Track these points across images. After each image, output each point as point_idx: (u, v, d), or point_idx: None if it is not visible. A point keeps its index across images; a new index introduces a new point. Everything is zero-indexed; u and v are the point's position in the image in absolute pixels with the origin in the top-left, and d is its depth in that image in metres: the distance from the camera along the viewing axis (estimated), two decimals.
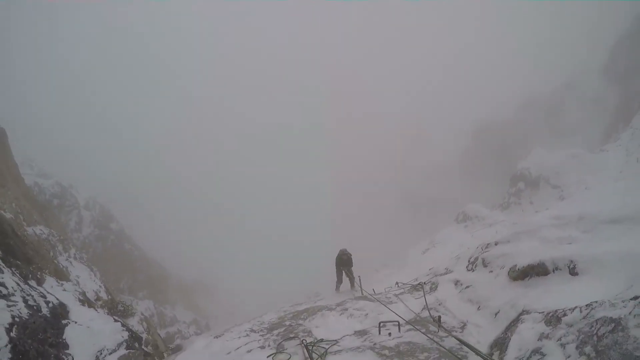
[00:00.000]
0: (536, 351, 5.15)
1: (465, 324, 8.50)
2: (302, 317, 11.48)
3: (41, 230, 25.36)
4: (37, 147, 71.49)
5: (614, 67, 69.48)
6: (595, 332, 4.64)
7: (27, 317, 8.01)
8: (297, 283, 76.51)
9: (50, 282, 12.55)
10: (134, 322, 23.16)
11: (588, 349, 4.47)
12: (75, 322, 9.38)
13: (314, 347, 8.19)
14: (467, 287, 10.50)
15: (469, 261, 12.76)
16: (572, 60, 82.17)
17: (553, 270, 7.70)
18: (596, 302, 5.27)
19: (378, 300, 11.74)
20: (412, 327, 8.79)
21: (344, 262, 15.39)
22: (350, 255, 15.33)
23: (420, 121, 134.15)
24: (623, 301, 4.89)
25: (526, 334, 5.66)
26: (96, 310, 14.17)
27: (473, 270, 11.63)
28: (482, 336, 7.42)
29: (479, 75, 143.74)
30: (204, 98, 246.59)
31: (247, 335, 10.72)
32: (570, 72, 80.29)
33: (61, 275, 16.48)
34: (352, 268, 15.43)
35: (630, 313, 4.51)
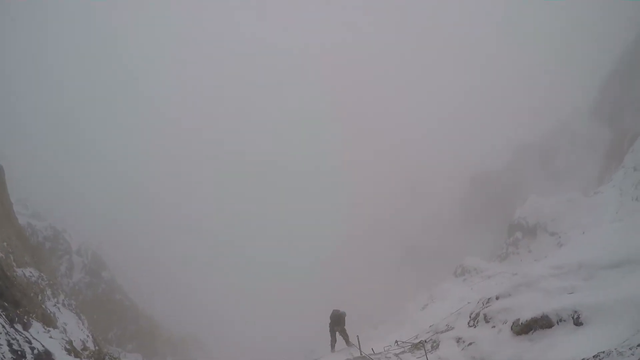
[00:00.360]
0: None
1: None
2: None
3: (31, 272, 24.91)
4: (33, 187, 71.27)
5: (604, 107, 71.41)
6: None
7: None
8: (295, 336, 74.96)
9: (36, 328, 12.26)
10: None
11: None
12: None
13: None
14: (470, 344, 10.37)
15: (470, 317, 12.64)
16: (563, 103, 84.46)
17: (557, 322, 7.67)
18: (603, 352, 5.24)
19: None
20: None
21: (336, 322, 15.42)
22: (344, 314, 15.38)
23: (417, 171, 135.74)
24: (630, 348, 4.88)
25: None
26: None
27: (475, 327, 11.51)
28: None
29: (472, 123, 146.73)
30: (194, 128, 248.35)
31: None
32: (561, 115, 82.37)
33: (48, 321, 16.08)
34: (345, 327, 15.44)
35: None
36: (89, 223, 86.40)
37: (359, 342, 15.37)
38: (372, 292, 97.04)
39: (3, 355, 7.79)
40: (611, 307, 6.54)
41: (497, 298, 11.51)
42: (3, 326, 8.86)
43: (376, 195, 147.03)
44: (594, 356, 5.24)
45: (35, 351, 9.14)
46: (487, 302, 11.89)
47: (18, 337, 9.07)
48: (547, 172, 74.13)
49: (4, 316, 9.64)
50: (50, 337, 12.47)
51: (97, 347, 22.38)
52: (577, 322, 7.12)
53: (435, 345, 11.98)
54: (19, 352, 8.41)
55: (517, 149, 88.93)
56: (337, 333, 15.54)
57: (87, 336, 22.26)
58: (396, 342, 16.30)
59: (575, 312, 7.28)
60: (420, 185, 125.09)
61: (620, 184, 43.94)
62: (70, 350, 13.08)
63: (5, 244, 23.28)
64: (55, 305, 24.23)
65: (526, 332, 8.43)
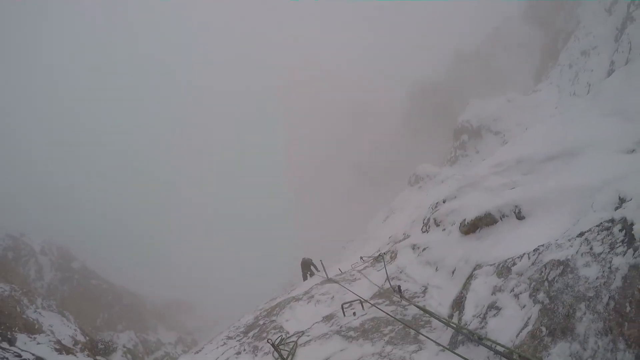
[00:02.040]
0: (491, 306, 5.01)
1: (426, 288, 8.42)
2: (275, 312, 11.35)
3: (1, 287, 24.25)
4: None
5: (536, 10, 71.34)
6: (545, 277, 4.50)
7: None
8: (276, 276, 76.43)
9: (22, 339, 11.96)
10: (117, 357, 22.59)
11: (541, 295, 4.33)
12: None
13: (284, 344, 8.00)
14: (424, 249, 10.45)
15: (423, 222, 12.75)
16: (495, 8, 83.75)
17: (500, 218, 7.65)
18: (542, 245, 5.16)
19: (340, 284, 11.60)
20: (375, 301, 8.67)
21: (305, 266, 17.11)
22: (310, 259, 17.18)
23: (359, 93, 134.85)
24: (569, 240, 4.78)
25: (480, 289, 5.53)
26: (75, 355, 13.65)
27: (427, 232, 11.61)
28: (443, 297, 7.32)
29: (407, 37, 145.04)
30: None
31: (225, 343, 10.61)
32: (494, 21, 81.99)
33: (32, 329, 15.77)
34: (312, 267, 16.91)
35: (577, 252, 4.38)
36: (48, 219, 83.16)
37: (323, 266, 15.52)
38: (336, 218, 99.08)
39: None
40: (551, 198, 6.47)
41: (444, 201, 11.55)
42: None
43: (320, 124, 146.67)
44: (534, 250, 5.15)
45: None
46: (436, 206, 11.94)
47: (7, 354, 8.70)
48: (484, 78, 74.79)
49: None
50: (38, 343, 12.17)
51: (87, 338, 22.23)
52: (519, 217, 7.08)
53: (394, 256, 12.09)
54: None
55: (453, 57, 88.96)
56: (309, 274, 16.86)
57: (75, 330, 22.03)
58: (361, 258, 16.57)
59: (517, 206, 7.23)
60: (362, 106, 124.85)
61: (558, 81, 44.81)
62: (61, 349, 12.82)
63: None
64: (35, 311, 23.65)
65: (473, 231, 8.43)
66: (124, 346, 30.55)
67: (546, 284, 4.39)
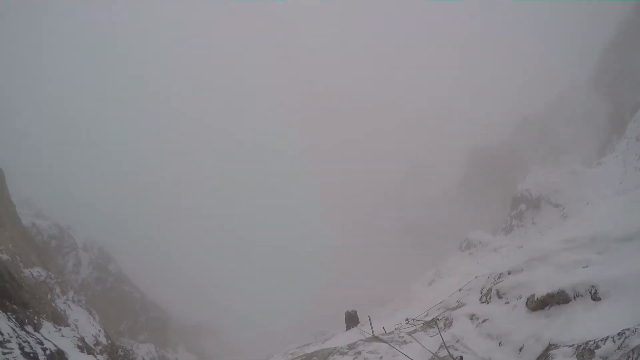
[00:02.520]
0: None
1: None
2: None
3: (39, 272, 24.99)
4: (35, 187, 71.44)
5: (603, 79, 70.61)
6: None
7: None
8: (301, 321, 75.50)
9: (47, 328, 12.23)
10: None
11: None
12: None
13: None
14: (484, 320, 10.21)
15: (481, 292, 12.49)
16: (562, 76, 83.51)
17: (574, 297, 7.47)
18: (628, 329, 5.06)
19: (390, 344, 11.37)
20: None
21: (351, 320, 17.70)
22: (355, 312, 17.90)
23: (417, 150, 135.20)
24: None
25: None
26: (95, 357, 13.79)
27: (487, 303, 11.34)
28: None
29: (471, 100, 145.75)
30: (195, 119, 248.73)
31: None
32: (560, 88, 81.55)
33: (59, 320, 16.05)
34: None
35: None
36: (94, 218, 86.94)
37: (370, 322, 15.29)
38: (377, 271, 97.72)
39: (15, 359, 7.69)
40: (629, 281, 6.35)
41: (509, 273, 11.33)
42: (14, 329, 8.72)
43: (376, 175, 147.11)
44: (618, 334, 5.07)
45: (48, 352, 9.02)
46: (499, 277, 11.72)
47: (30, 339, 8.93)
48: (547, 146, 73.64)
49: (13, 319, 9.51)
50: (62, 335, 12.42)
51: (109, 341, 22.47)
52: (595, 297, 6.92)
53: (448, 323, 11.84)
54: (31, 355, 8.28)
55: (517, 123, 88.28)
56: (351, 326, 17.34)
57: (99, 331, 22.31)
58: (407, 320, 16.17)
59: (593, 286, 7.07)
60: (420, 163, 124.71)
61: (623, 154, 43.56)
62: (83, 347, 13.04)
63: (10, 245, 23.22)
64: (65, 302, 24.27)
65: (542, 308, 8.22)
66: (143, 358, 30.51)
67: None
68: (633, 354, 4.54)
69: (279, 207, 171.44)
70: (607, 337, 5.23)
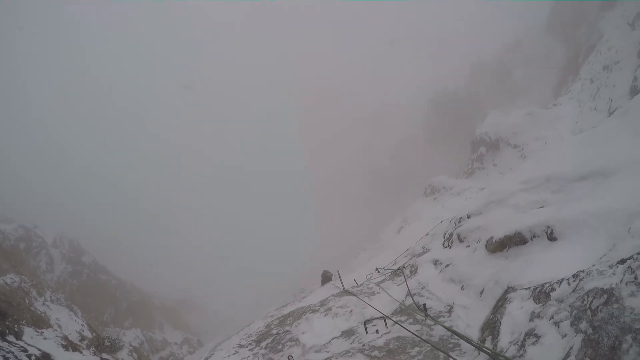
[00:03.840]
0: (530, 333, 4.86)
1: (451, 307, 8.24)
2: (288, 322, 11.17)
3: (12, 278, 24.35)
4: None
5: (557, 22, 70.93)
6: (588, 306, 4.36)
7: None
8: (285, 279, 76.42)
9: (29, 333, 11.90)
10: (123, 355, 22.54)
11: (584, 325, 4.19)
12: None
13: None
14: (447, 265, 10.28)
15: (444, 237, 12.58)
16: (517, 20, 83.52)
17: (531, 238, 7.47)
18: (583, 271, 5.01)
19: (358, 297, 11.43)
20: (398, 319, 8.52)
21: (327, 279, 18.21)
22: (331, 274, 18.29)
23: (383, 99, 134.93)
24: (611, 267, 4.64)
25: (516, 314, 5.38)
26: (81, 352, 13.61)
27: (450, 247, 11.44)
28: (470, 318, 7.15)
29: (426, 46, 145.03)
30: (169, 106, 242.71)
31: (236, 352, 10.41)
32: (515, 32, 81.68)
33: (40, 322, 15.71)
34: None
35: (621, 281, 4.24)
36: (61, 213, 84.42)
37: (339, 276, 15.40)
38: (349, 222, 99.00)
39: None
40: (584, 220, 6.32)
41: (468, 216, 11.38)
42: None
43: (340, 128, 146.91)
44: (573, 275, 5.01)
45: (33, 357, 8.82)
46: (459, 222, 11.77)
47: (13, 348, 8.67)
48: (504, 89, 74.34)
49: None
50: (45, 338, 12.10)
51: (94, 334, 22.16)
52: (551, 238, 6.92)
53: (414, 270, 11.92)
54: None
55: (473, 68, 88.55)
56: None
57: (82, 325, 21.93)
58: (377, 269, 16.38)
59: (549, 227, 7.06)
60: (382, 112, 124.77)
61: (578, 95, 44.30)
62: (67, 345, 12.77)
63: None
64: (44, 304, 23.68)
65: (500, 250, 8.25)
66: (130, 344, 30.53)
67: (589, 312, 4.26)
68: (587, 296, 4.48)
69: (249, 175, 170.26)
70: (562, 280, 5.19)
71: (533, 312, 5.12)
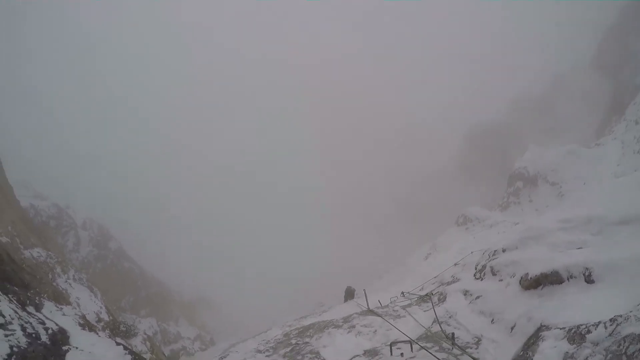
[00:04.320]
0: None
1: (479, 340, 8.17)
2: (309, 334, 11.18)
3: (39, 252, 24.94)
4: (32, 168, 71.22)
5: (603, 61, 69.71)
6: (624, 351, 4.34)
7: (25, 347, 7.67)
8: (301, 293, 76.23)
9: (49, 307, 12.17)
10: (137, 342, 22.72)
11: None
12: (77, 348, 9.06)
13: None
14: (478, 297, 10.19)
15: (476, 269, 12.46)
16: (561, 57, 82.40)
17: (567, 279, 7.40)
18: (620, 316, 4.98)
19: (384, 318, 11.40)
20: (424, 345, 8.48)
21: (350, 295, 18.42)
22: (354, 289, 18.60)
23: (412, 125, 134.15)
24: None
25: (549, 353, 5.34)
26: (97, 333, 13.83)
27: (482, 279, 11.32)
28: (499, 353, 7.10)
29: (470, 77, 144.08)
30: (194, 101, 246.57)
31: (253, 356, 10.43)
32: (560, 68, 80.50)
33: (60, 299, 16.06)
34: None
35: None
36: (93, 197, 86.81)
37: (365, 295, 15.34)
38: (374, 244, 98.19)
39: (18, 341, 7.66)
40: (624, 265, 6.26)
41: (503, 250, 11.26)
42: (15, 311, 8.69)
43: (369, 152, 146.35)
44: (610, 320, 4.98)
45: (50, 331, 9.00)
46: (494, 254, 11.65)
47: (31, 319, 8.91)
48: (545, 125, 73.02)
49: (15, 301, 9.50)
50: (63, 314, 12.35)
51: (111, 317, 22.49)
52: (589, 280, 6.85)
53: (442, 298, 11.85)
54: (34, 335, 8.26)
55: (516, 101, 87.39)
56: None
57: (101, 307, 22.28)
58: (402, 293, 16.24)
59: (587, 268, 6.99)
60: (414, 141, 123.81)
61: (622, 136, 43.22)
62: (85, 324, 13.02)
63: (9, 227, 23.12)
64: (66, 281, 24.21)
65: (535, 287, 8.16)
66: (145, 332, 30.80)
67: (624, 358, 4.24)
68: (624, 342, 4.46)
69: (277, 186, 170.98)
70: (599, 323, 5.15)
71: (567, 352, 5.09)
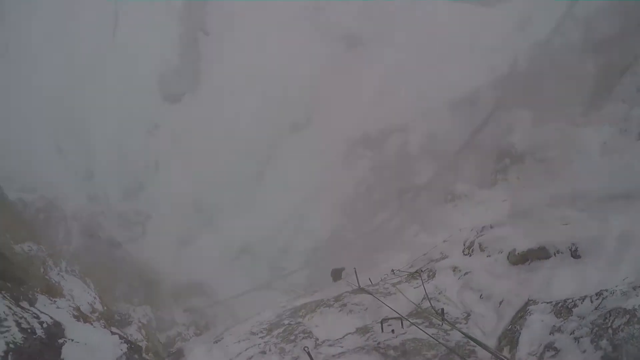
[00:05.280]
0: (549, 346, 4.93)
1: (468, 314, 8.28)
2: (301, 314, 11.19)
3: (29, 246, 24.58)
4: (17, 160, 70.11)
5: (591, 39, 69.55)
6: (609, 324, 4.42)
7: (21, 342, 7.67)
8: (294, 271, 76.40)
9: (42, 301, 12.09)
10: (132, 331, 22.75)
11: (604, 342, 4.26)
12: (72, 340, 9.07)
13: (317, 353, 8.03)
14: (466, 273, 10.28)
15: (464, 245, 12.55)
16: (550, 35, 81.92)
17: (554, 254, 7.48)
18: (606, 290, 5.06)
19: (375, 296, 11.46)
20: (414, 321, 8.57)
21: (337, 275, 18.14)
22: (341, 269, 18.26)
23: (398, 100, 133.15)
24: (634, 289, 4.69)
25: (537, 327, 5.44)
26: (92, 324, 13.80)
27: (470, 255, 11.41)
28: (487, 327, 7.20)
29: (452, 55, 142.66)
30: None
31: (247, 338, 10.42)
32: (548, 47, 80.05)
33: (53, 291, 15.93)
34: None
35: None
36: (82, 186, 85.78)
37: (356, 273, 15.39)
38: (363, 221, 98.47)
39: (14, 337, 7.65)
40: (610, 241, 6.35)
41: (491, 227, 11.33)
42: (9, 307, 8.64)
43: (355, 126, 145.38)
44: (596, 294, 5.07)
45: (45, 325, 8.97)
46: (482, 231, 11.73)
47: (26, 314, 8.86)
48: (533, 103, 73.07)
49: (8, 297, 9.43)
50: (57, 307, 12.29)
51: (105, 307, 22.37)
52: (575, 255, 6.93)
53: (432, 275, 11.93)
54: (29, 330, 8.24)
55: (501, 79, 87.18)
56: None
57: (94, 298, 22.12)
58: (392, 270, 16.31)
59: (573, 244, 7.08)
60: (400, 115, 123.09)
61: (609, 115, 43.46)
62: (79, 316, 12.95)
63: None
64: (58, 274, 23.91)
65: (522, 263, 8.23)
66: (139, 320, 30.79)
67: (610, 331, 4.32)
68: (610, 315, 4.54)
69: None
70: (585, 297, 5.24)
71: (554, 325, 5.18)
